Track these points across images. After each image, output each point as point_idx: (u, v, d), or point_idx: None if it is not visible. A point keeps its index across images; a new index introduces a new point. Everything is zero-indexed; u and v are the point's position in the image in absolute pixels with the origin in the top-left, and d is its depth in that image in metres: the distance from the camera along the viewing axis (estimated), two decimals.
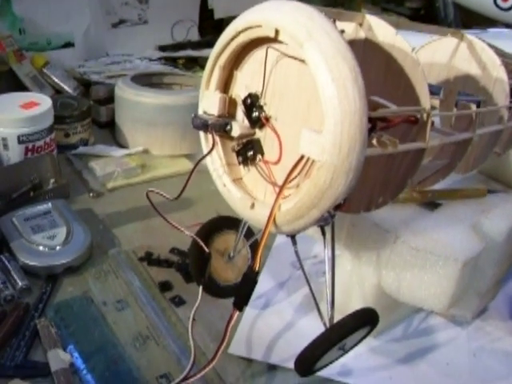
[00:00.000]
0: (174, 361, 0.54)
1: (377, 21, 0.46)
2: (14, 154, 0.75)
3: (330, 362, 0.48)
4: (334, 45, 0.38)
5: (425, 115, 0.44)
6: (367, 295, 0.55)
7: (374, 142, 0.41)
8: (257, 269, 0.44)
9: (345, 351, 0.48)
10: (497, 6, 1.42)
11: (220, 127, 0.46)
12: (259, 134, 0.46)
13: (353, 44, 0.48)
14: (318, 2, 1.43)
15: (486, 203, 0.59)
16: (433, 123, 0.46)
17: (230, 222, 0.58)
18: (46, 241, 0.64)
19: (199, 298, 0.53)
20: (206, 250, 0.53)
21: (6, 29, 0.98)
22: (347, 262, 0.56)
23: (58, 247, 0.64)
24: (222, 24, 1.17)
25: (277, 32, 0.40)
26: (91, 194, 0.77)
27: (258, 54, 0.44)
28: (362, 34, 0.47)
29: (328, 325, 0.46)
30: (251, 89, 0.46)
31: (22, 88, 0.91)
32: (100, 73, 0.98)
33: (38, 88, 0.95)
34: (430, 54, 0.61)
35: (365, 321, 0.47)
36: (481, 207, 0.58)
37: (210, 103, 0.47)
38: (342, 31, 0.42)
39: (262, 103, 0.45)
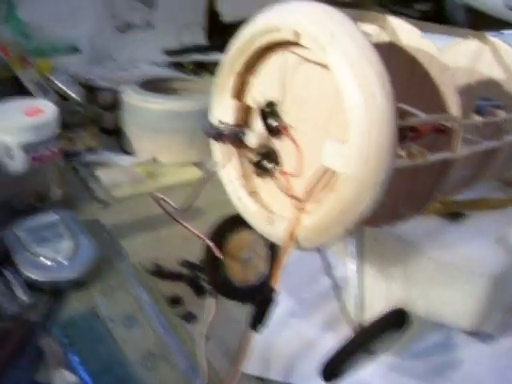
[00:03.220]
0: (185, 381, 0.51)
1: (400, 23, 0.44)
2: (18, 163, 0.73)
3: (359, 366, 0.46)
4: (359, 48, 0.35)
5: (455, 124, 0.41)
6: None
7: (403, 153, 0.39)
8: (275, 287, 0.42)
9: (374, 355, 0.45)
10: (508, 7, 1.40)
11: (235, 137, 0.44)
12: (277, 144, 0.43)
13: (376, 48, 0.46)
14: None
15: (510, 214, 0.56)
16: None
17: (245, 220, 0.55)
18: (52, 254, 0.61)
19: (213, 311, 0.50)
20: (219, 254, 0.50)
21: (10, 34, 0.96)
22: (368, 277, 0.53)
23: (64, 261, 0.61)
24: (230, 28, 1.15)
25: (297, 35, 0.37)
26: (98, 204, 0.75)
27: (275, 59, 0.42)
28: (385, 37, 0.45)
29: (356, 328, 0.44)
30: (268, 96, 0.43)
31: (26, 94, 0.88)
32: (106, 78, 0.96)
33: (43, 94, 0.92)
34: (451, 57, 0.58)
35: (394, 323, 0.44)
36: (505, 218, 0.55)
37: (224, 111, 0.45)
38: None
39: (279, 111, 0.42)
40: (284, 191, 0.42)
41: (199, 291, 0.62)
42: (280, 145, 0.43)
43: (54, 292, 0.60)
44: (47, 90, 0.96)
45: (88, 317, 0.58)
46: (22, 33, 0.97)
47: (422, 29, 0.49)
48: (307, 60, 0.39)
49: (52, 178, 0.73)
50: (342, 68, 0.35)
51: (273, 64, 0.42)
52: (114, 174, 0.79)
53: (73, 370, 0.51)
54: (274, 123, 0.42)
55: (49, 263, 0.61)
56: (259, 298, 0.43)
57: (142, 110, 0.83)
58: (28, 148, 0.72)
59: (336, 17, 0.36)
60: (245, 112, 0.45)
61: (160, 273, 0.65)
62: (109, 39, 1.07)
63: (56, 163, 0.74)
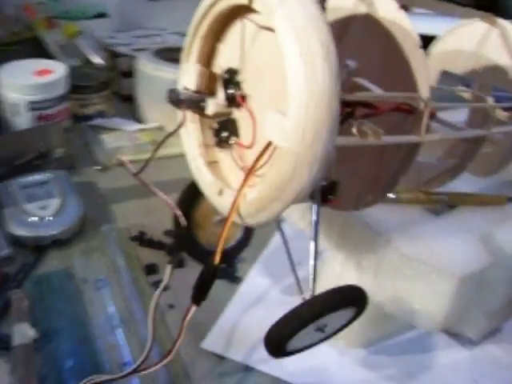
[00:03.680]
0: (141, 349, 0.51)
1: None
2: (24, 121, 0.74)
3: (310, 346, 0.43)
4: (307, 15, 0.33)
5: (422, 104, 0.38)
6: None
7: (354, 130, 0.36)
8: (216, 262, 0.40)
9: (326, 334, 0.42)
10: None
11: (193, 103, 0.42)
12: (237, 113, 0.42)
13: (353, 19, 0.43)
14: None
15: (505, 213, 0.52)
16: (433, 115, 0.40)
17: None
18: (38, 211, 0.62)
19: (167, 278, 0.49)
20: (183, 221, 0.49)
21: None
22: (337, 264, 0.51)
23: (48, 218, 0.62)
24: None
25: (251, 1, 0.35)
26: (97, 167, 0.76)
27: (236, 25, 0.40)
28: (363, 8, 0.42)
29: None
30: (232, 63, 0.41)
31: (47, 56, 0.90)
32: (128, 45, 0.96)
33: (66, 57, 0.94)
34: (458, 40, 0.55)
35: (346, 299, 0.40)
36: (497, 217, 0.51)
37: (188, 77, 0.43)
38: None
39: (240, 80, 0.41)
40: (237, 163, 0.41)
41: (177, 262, 0.61)
42: (239, 115, 0.41)
43: (35, 248, 0.61)
44: (71, 53, 0.97)
45: (62, 275, 0.58)
46: None
47: (424, 6, 0.46)
48: (261, 27, 0.37)
49: (55, 137, 0.74)
50: (285, 34, 0.32)
51: (234, 31, 0.40)
52: (118, 139, 0.79)
53: (35, 324, 0.51)
54: (232, 92, 0.40)
55: (33, 219, 0.62)
56: (201, 272, 0.41)
57: (154, 78, 0.83)
58: (34, 106, 0.74)
59: None
60: (211, 80, 0.43)
61: (141, 239, 0.64)
62: (137, 7, 1.07)
63: (59, 124, 0.76)
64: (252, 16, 0.38)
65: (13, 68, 0.75)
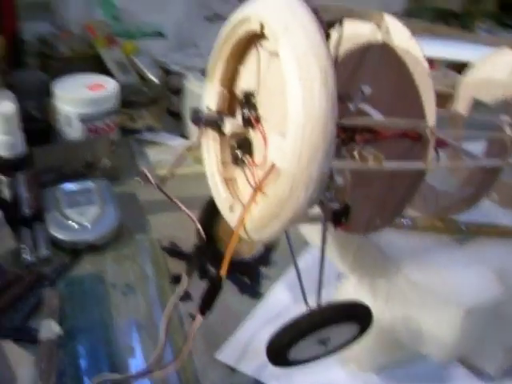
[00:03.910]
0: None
1: (394, 22, 0.41)
2: (75, 132, 0.79)
3: (314, 359, 0.44)
4: (309, 42, 0.34)
5: (428, 131, 0.38)
6: None
7: (356, 154, 0.37)
8: (223, 274, 0.42)
9: (329, 349, 0.43)
10: None
11: (212, 123, 0.45)
12: (252, 134, 0.43)
13: (371, 46, 0.44)
14: (429, 16, 1.34)
15: None
16: (443, 143, 0.40)
17: None
18: (77, 217, 0.66)
19: (184, 286, 0.51)
20: (203, 235, 0.51)
21: (101, 15, 1.04)
22: (351, 287, 0.51)
23: (86, 224, 0.66)
24: None
25: (262, 26, 0.37)
26: (138, 179, 0.79)
27: (255, 50, 0.42)
28: (379, 37, 0.43)
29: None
30: (250, 86, 0.43)
31: (105, 72, 0.95)
32: (181, 63, 1.01)
33: (122, 73, 0.99)
34: (490, 68, 0.54)
35: (348, 314, 0.41)
36: None
37: (209, 97, 0.46)
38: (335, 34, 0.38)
39: (255, 102, 0.42)
40: (248, 181, 0.42)
41: (202, 273, 0.64)
42: (254, 135, 0.43)
43: (72, 251, 0.65)
44: (128, 70, 1.02)
45: (93, 279, 0.62)
46: (113, 15, 1.05)
47: (441, 33, 0.46)
48: (272, 53, 0.38)
49: (103, 149, 0.79)
50: (287, 60, 0.34)
51: (252, 55, 0.42)
52: (163, 153, 0.83)
53: (62, 322, 0.55)
54: (247, 113, 0.42)
55: (73, 225, 0.66)
56: (208, 284, 0.43)
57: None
58: (85, 119, 0.79)
59: (295, 9, 0.35)
60: (232, 101, 0.45)
61: (172, 251, 0.67)
62: (194, 27, 1.11)
63: (107, 137, 0.80)
64: (264, 42, 0.39)
65: (68, 82, 0.80)
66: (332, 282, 0.53)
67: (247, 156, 0.43)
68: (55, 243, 0.65)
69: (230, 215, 0.43)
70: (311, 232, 0.55)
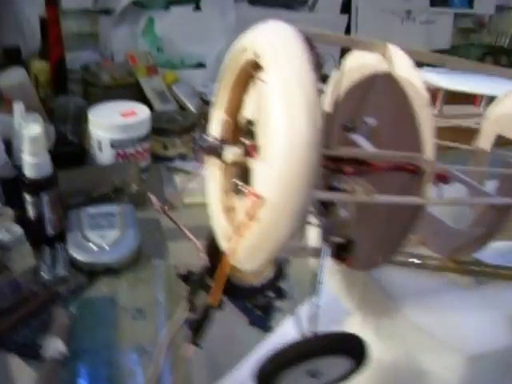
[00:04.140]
0: (156, 380, 0.53)
1: (397, 52, 0.40)
2: (106, 157, 0.82)
3: None
4: (296, 70, 0.34)
5: (425, 166, 0.37)
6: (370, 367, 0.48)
7: (345, 186, 0.36)
8: (216, 304, 0.41)
9: (317, 381, 0.40)
10: None
11: (213, 151, 0.45)
12: (252, 163, 0.43)
13: (376, 77, 0.43)
14: (477, 53, 1.31)
15: None
16: (445, 178, 0.38)
17: None
18: (97, 239, 0.68)
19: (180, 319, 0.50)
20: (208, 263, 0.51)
21: (146, 46, 1.08)
22: (355, 326, 0.49)
23: (104, 247, 0.67)
24: None
25: (256, 55, 0.37)
26: (164, 206, 0.80)
27: (254, 79, 0.42)
28: (384, 66, 0.42)
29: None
30: (250, 116, 0.43)
31: (144, 100, 0.98)
32: None
33: (161, 102, 1.02)
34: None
35: (339, 346, 0.38)
36: None
37: (214, 125, 0.46)
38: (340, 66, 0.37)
39: (255, 131, 0.42)
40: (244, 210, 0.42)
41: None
42: (254, 165, 0.43)
43: (89, 273, 0.66)
44: (168, 99, 1.05)
45: (106, 302, 0.62)
46: (156, 46, 1.09)
47: (457, 66, 0.45)
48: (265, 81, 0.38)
49: (131, 175, 0.80)
50: (273, 87, 0.34)
51: (253, 84, 0.42)
52: (190, 181, 0.84)
53: (68, 342, 0.55)
54: (245, 142, 0.42)
55: (92, 247, 0.67)
56: (202, 313, 0.43)
57: None
58: (115, 145, 0.81)
59: (287, 39, 0.35)
60: (237, 129, 0.45)
61: (187, 278, 0.67)
62: None
63: (137, 163, 0.82)
64: (260, 71, 0.39)
65: (103, 108, 0.83)
66: (339, 319, 0.52)
67: (245, 185, 0.43)
68: (74, 263, 0.66)
69: (227, 245, 0.43)
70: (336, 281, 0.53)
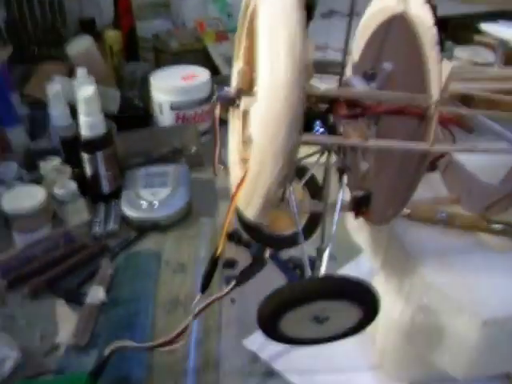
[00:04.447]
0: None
1: None
2: (166, 120, 0.84)
3: (311, 341, 0.40)
4: (283, 6, 0.32)
5: (432, 107, 0.34)
6: (391, 328, 0.45)
7: (341, 129, 0.34)
8: (218, 253, 0.41)
9: (328, 332, 0.38)
10: None
11: (228, 100, 0.44)
12: None
13: (393, 19, 0.40)
14: None
15: None
16: (451, 120, 0.35)
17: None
18: (149, 196, 0.70)
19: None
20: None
21: (217, 12, 1.08)
22: (379, 285, 0.47)
23: (154, 204, 0.69)
24: None
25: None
26: (220, 167, 0.81)
27: None
28: (401, 7, 0.39)
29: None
30: None
31: (211, 65, 0.99)
32: None
33: (228, 66, 1.02)
34: None
35: (346, 290, 0.35)
36: None
37: (233, 76, 0.45)
38: None
39: None
40: None
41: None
42: None
43: (139, 228, 0.68)
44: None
45: (151, 255, 0.65)
46: (226, 12, 1.09)
47: None
48: None
49: (190, 137, 0.82)
50: (262, 24, 0.33)
51: None
52: None
53: (109, 291, 0.58)
54: (256, 89, 0.41)
55: (142, 203, 0.69)
56: (208, 262, 0.43)
57: None
58: (175, 107, 0.83)
59: None
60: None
61: (232, 236, 0.67)
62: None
63: (195, 125, 0.83)
64: None
65: (165, 73, 0.85)
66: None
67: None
68: (125, 219, 0.69)
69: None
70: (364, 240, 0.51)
